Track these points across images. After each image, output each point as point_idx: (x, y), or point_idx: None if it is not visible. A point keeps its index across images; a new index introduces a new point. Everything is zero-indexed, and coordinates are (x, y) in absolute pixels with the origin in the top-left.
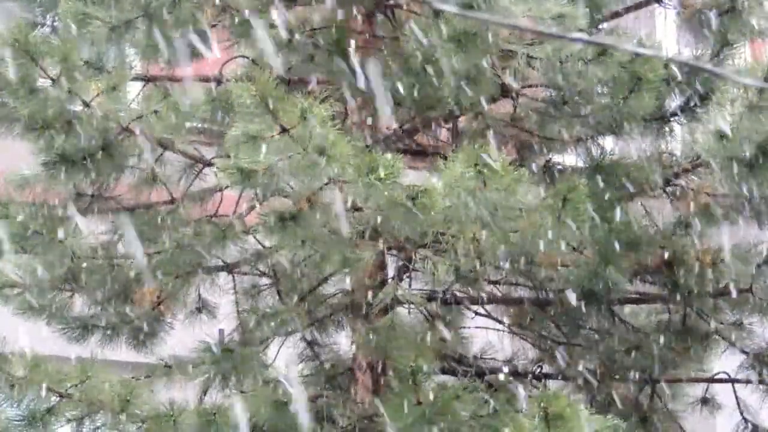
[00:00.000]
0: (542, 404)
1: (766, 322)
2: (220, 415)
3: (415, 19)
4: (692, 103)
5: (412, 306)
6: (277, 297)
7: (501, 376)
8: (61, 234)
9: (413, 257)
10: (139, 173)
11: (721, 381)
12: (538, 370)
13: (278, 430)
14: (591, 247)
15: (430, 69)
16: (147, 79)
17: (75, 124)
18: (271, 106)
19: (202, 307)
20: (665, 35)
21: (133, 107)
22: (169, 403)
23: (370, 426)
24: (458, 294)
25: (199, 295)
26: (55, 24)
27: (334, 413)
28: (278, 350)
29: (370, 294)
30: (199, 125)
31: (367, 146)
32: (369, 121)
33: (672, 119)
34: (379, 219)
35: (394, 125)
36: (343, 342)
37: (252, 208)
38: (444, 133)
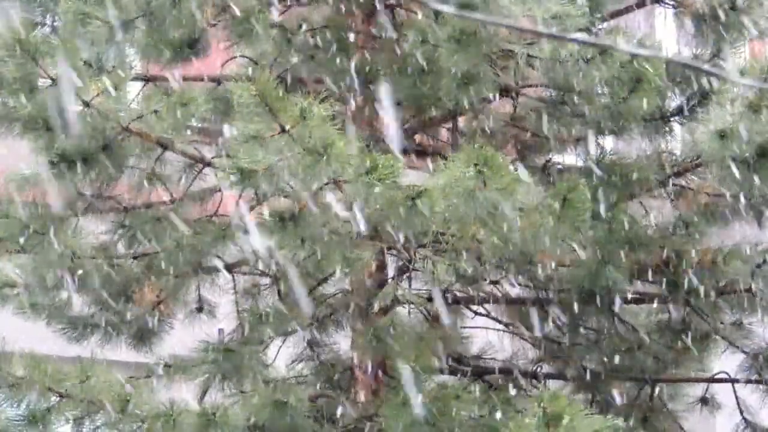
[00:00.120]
0: (542, 404)
1: (766, 322)
2: (220, 415)
3: (415, 18)
4: (692, 103)
5: (412, 306)
6: (277, 297)
7: (500, 376)
8: (61, 234)
9: (413, 257)
10: (139, 173)
11: (721, 381)
12: (538, 370)
13: (278, 430)
14: (591, 247)
15: (429, 69)
16: (147, 79)
17: (75, 124)
18: (270, 106)
19: (202, 307)
20: (665, 35)
21: (133, 107)
22: (169, 403)
23: (370, 426)
24: (458, 294)
25: (199, 294)
26: (55, 24)
27: (334, 413)
28: (278, 350)
29: (370, 294)
30: (199, 125)
31: (366, 146)
32: (369, 121)
33: (672, 119)
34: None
35: (394, 125)
36: (343, 342)
37: (252, 208)
38: (444, 133)
